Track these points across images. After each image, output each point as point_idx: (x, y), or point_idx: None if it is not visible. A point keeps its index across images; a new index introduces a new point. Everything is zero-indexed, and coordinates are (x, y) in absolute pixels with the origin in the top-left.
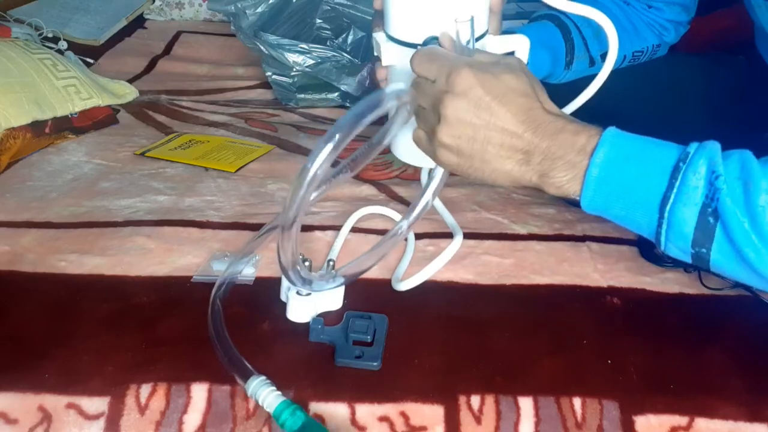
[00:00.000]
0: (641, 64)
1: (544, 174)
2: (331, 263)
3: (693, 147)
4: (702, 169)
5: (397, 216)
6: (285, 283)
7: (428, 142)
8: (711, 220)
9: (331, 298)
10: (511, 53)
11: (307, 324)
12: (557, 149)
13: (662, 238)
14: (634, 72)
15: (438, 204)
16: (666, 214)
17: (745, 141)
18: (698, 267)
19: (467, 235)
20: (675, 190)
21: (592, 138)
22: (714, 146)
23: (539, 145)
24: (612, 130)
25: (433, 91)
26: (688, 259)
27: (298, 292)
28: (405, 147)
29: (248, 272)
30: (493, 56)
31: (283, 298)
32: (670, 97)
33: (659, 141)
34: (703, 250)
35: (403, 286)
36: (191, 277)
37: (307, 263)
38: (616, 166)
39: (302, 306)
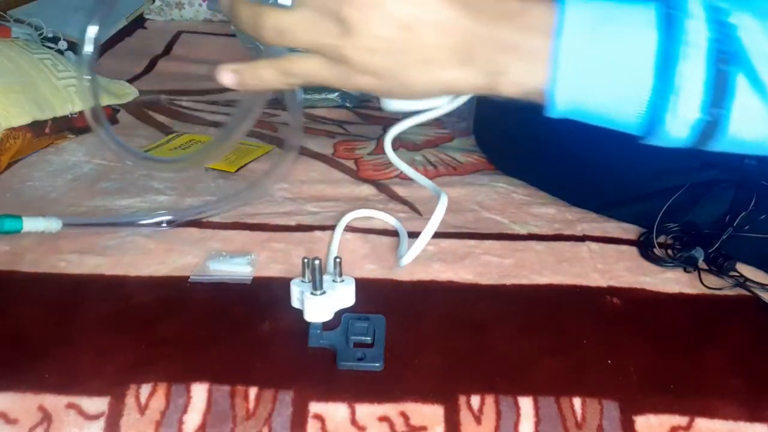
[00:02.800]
0: None
1: (497, 72)
2: (338, 260)
3: None
4: (699, 9)
5: (389, 218)
6: (296, 288)
7: (329, 67)
8: (726, 68)
9: (345, 295)
10: None
11: (311, 323)
12: (506, 34)
13: (666, 113)
14: None
15: (411, 172)
16: (672, 80)
17: None
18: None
19: (467, 236)
20: (672, 46)
21: (548, 10)
22: None
23: (482, 33)
24: None
25: None
26: (696, 135)
27: (312, 293)
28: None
29: (245, 271)
30: None
31: (296, 304)
32: None
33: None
34: (720, 114)
35: (405, 260)
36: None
37: (317, 261)
38: (591, 39)
39: (319, 305)
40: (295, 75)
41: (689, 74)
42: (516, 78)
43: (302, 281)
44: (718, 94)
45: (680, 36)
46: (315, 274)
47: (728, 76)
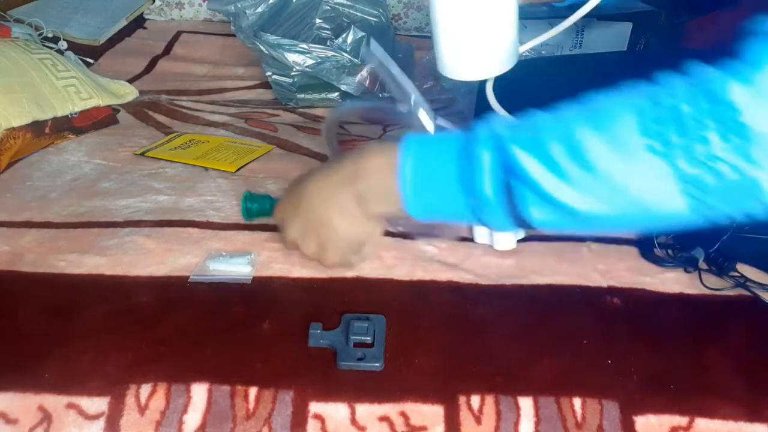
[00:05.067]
0: (642, 59)
1: (372, 210)
2: None
3: (473, 130)
4: (486, 137)
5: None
6: (479, 229)
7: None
8: (506, 177)
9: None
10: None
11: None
12: (374, 179)
13: (484, 215)
14: (634, 67)
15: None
16: (471, 193)
17: None
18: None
19: (467, 236)
20: (469, 169)
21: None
22: (493, 122)
23: (365, 194)
24: (407, 139)
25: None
26: (518, 227)
27: None
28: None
29: (245, 271)
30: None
31: (482, 240)
32: None
33: (445, 134)
34: (518, 211)
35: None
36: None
37: None
38: (419, 172)
39: (507, 235)
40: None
41: (481, 185)
42: (385, 210)
43: None
44: (511, 201)
45: (471, 158)
46: None
47: (506, 182)
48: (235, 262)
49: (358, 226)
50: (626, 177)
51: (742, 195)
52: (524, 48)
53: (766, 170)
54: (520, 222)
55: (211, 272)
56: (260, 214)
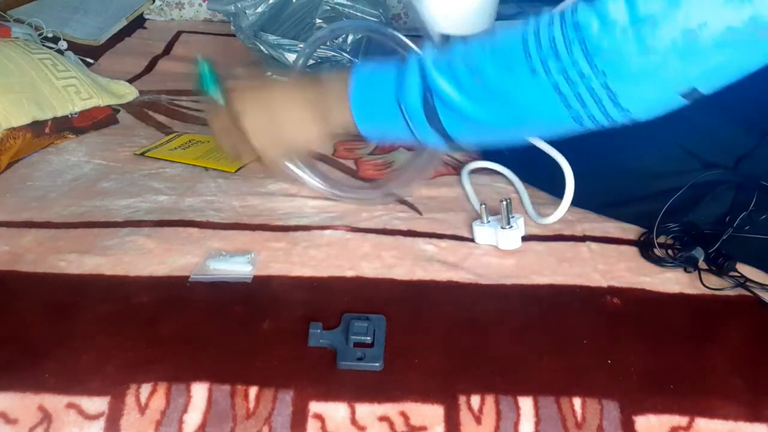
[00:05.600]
0: None
1: (331, 125)
2: (502, 200)
3: (409, 57)
4: (414, 66)
5: (508, 172)
6: (484, 228)
7: (240, 143)
8: (428, 96)
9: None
10: None
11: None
12: (331, 103)
13: (415, 133)
14: None
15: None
16: (402, 111)
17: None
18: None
19: (467, 236)
20: (400, 90)
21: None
22: (428, 49)
23: (323, 106)
24: (357, 66)
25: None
26: (443, 145)
27: (502, 227)
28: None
29: (245, 270)
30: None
31: (482, 240)
32: None
33: (390, 64)
34: (441, 127)
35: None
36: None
37: (483, 206)
38: (365, 93)
39: (513, 235)
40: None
41: (411, 103)
42: (339, 122)
43: (481, 223)
44: (431, 116)
45: (403, 83)
46: (506, 213)
47: (431, 101)
48: (235, 261)
49: (307, 132)
50: (513, 91)
51: (604, 102)
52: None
53: (613, 78)
54: (442, 132)
55: (211, 272)
56: (209, 84)
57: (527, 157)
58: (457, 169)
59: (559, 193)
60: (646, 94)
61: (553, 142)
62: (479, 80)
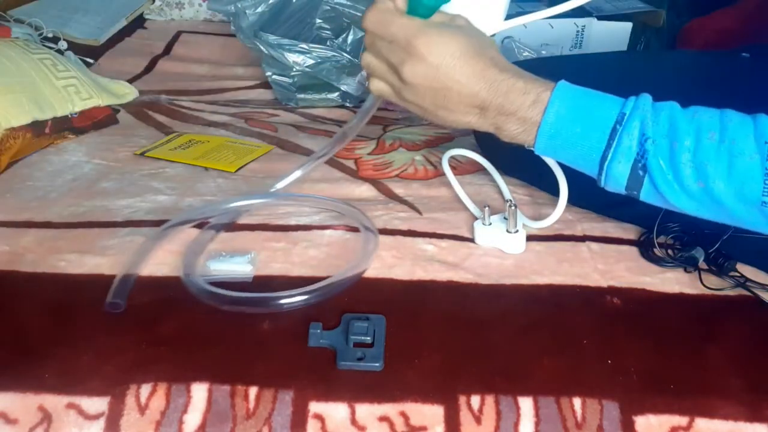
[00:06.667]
0: (642, 59)
1: (499, 126)
2: (509, 204)
3: (629, 107)
4: (635, 131)
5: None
6: (487, 228)
7: (394, 95)
8: (641, 173)
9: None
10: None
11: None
12: (509, 106)
13: (601, 184)
14: (634, 67)
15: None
16: (605, 168)
17: None
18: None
19: (467, 236)
20: (612, 150)
21: (541, 95)
22: (646, 105)
23: (493, 102)
24: (562, 85)
25: (391, 53)
26: (623, 193)
27: (508, 231)
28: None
29: (246, 270)
30: (444, 17)
31: (482, 242)
32: (670, 94)
33: (603, 97)
34: (635, 192)
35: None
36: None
37: (487, 208)
38: (564, 124)
39: (520, 239)
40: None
41: (617, 170)
42: (510, 134)
43: (483, 224)
44: (634, 184)
45: (619, 147)
46: (514, 217)
47: (640, 177)
48: (236, 261)
49: (464, 125)
50: (734, 209)
51: None
52: (510, 23)
53: None
54: (627, 194)
55: (211, 272)
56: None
57: (528, 159)
58: (457, 168)
59: (557, 192)
60: None
61: None
62: (704, 186)
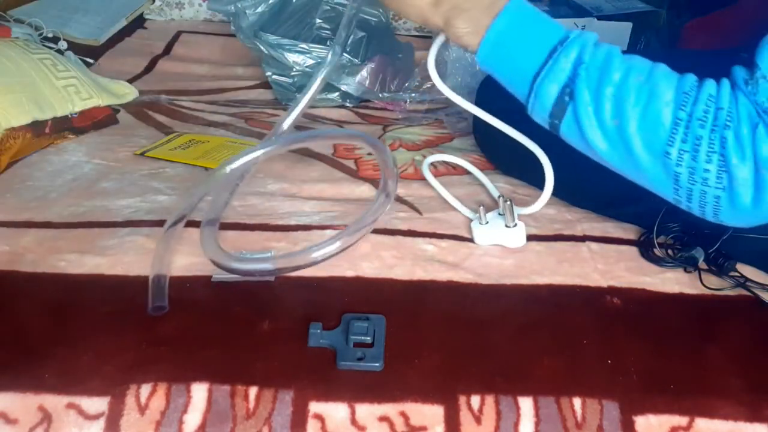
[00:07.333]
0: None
1: (448, 21)
2: (503, 199)
3: (574, 34)
4: (573, 54)
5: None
6: (478, 230)
7: None
8: (567, 98)
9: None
10: None
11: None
12: (465, 3)
13: (529, 105)
14: None
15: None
16: (535, 86)
17: None
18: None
19: (467, 236)
20: (547, 67)
21: (499, 1)
22: (591, 36)
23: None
24: (520, 0)
25: None
26: (546, 126)
27: (507, 226)
28: None
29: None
30: None
31: (482, 241)
32: None
33: (551, 21)
34: (556, 122)
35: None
36: (191, 277)
37: (482, 207)
38: (511, 35)
39: (519, 232)
40: None
41: (546, 91)
42: (458, 32)
43: (480, 223)
44: (558, 111)
45: (554, 67)
46: (510, 211)
47: (565, 103)
48: (257, 260)
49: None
50: (640, 155)
51: (707, 207)
52: None
53: (729, 200)
54: (549, 123)
55: (237, 269)
56: None
57: (528, 159)
58: (457, 169)
59: (559, 194)
60: (750, 221)
61: (551, 141)
62: (618, 124)
